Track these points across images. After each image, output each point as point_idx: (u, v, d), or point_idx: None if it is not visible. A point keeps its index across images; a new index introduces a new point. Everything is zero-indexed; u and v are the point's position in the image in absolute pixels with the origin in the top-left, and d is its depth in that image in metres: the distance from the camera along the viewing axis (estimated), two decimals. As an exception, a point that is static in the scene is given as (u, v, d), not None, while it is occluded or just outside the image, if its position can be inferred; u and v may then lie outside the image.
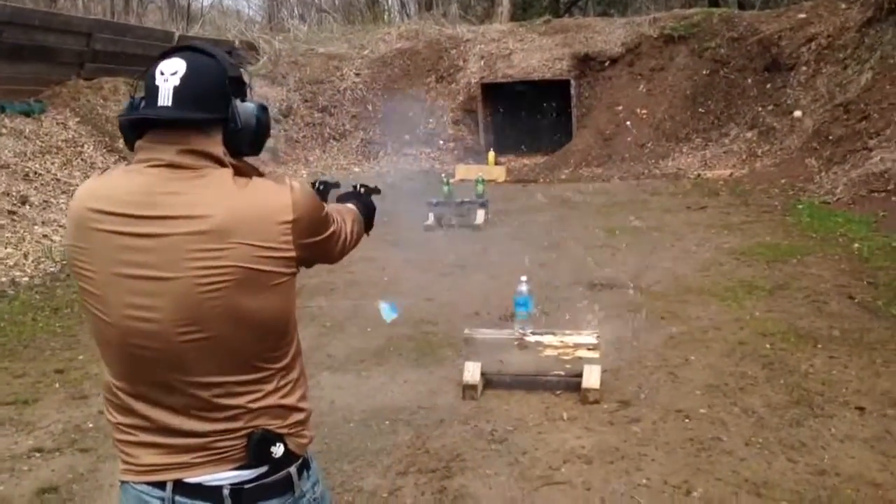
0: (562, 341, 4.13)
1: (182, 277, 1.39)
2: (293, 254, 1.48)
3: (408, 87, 16.57)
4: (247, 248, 1.41)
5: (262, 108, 1.56)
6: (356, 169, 15.18)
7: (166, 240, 1.40)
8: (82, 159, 10.37)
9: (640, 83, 15.30)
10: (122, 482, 1.54)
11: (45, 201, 8.91)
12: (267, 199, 1.46)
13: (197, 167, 1.45)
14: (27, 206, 8.59)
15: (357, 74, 16.92)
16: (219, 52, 1.56)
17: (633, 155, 14.19)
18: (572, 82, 15.27)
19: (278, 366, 1.53)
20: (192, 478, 1.48)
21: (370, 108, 16.43)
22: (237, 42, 17.12)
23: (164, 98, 1.45)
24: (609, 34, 16.08)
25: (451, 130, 15.92)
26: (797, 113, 13.07)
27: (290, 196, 1.48)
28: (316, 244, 1.57)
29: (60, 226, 8.58)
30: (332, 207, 1.75)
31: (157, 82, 1.46)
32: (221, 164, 1.47)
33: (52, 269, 7.47)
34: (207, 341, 1.43)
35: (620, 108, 15.07)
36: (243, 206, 1.43)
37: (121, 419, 1.52)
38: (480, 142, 15.77)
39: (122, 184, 1.46)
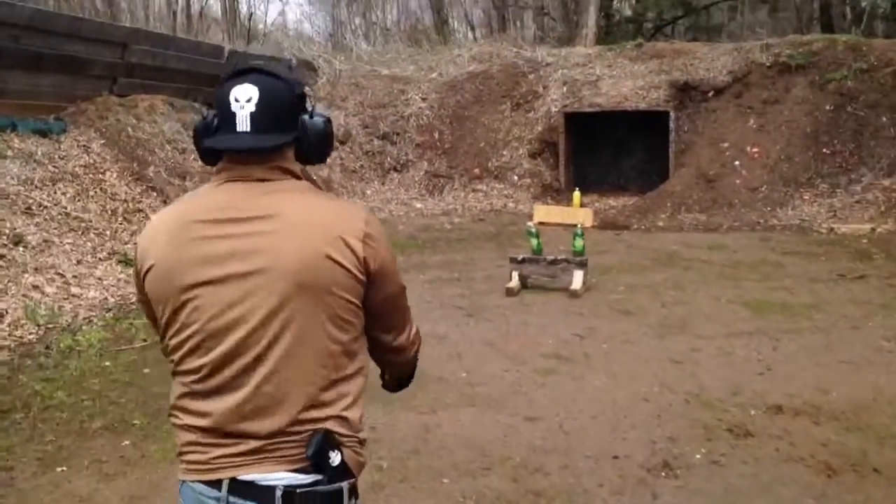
0: None
1: (273, 267, 1.47)
2: (363, 257, 1.52)
3: (480, 115, 14.80)
4: (329, 240, 1.49)
5: (328, 121, 1.65)
6: (418, 205, 13.41)
7: (259, 237, 1.49)
8: (101, 189, 8.76)
9: (749, 117, 13.23)
10: (182, 482, 1.56)
11: (44, 241, 7.26)
12: (345, 208, 1.61)
13: (277, 179, 1.57)
14: (20, 248, 6.95)
15: (423, 99, 15.21)
16: (283, 71, 1.62)
17: (743, 200, 12.11)
18: (671, 114, 13.27)
19: (345, 373, 1.55)
20: (246, 475, 1.48)
21: (437, 136, 14.68)
22: (294, 61, 15.58)
23: (242, 125, 1.54)
24: (712, 61, 14.07)
25: (528, 164, 14.05)
26: (951, 158, 10.87)
27: (365, 213, 1.59)
28: (384, 278, 1.58)
29: (59, 273, 6.91)
30: None
31: (233, 109, 1.55)
32: (298, 178, 1.60)
33: (30, 337, 5.75)
34: (293, 332, 1.48)
35: (727, 144, 13.02)
36: (326, 208, 1.56)
37: (186, 420, 1.55)
38: (560, 178, 13.86)
39: (211, 199, 1.57)
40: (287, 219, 1.50)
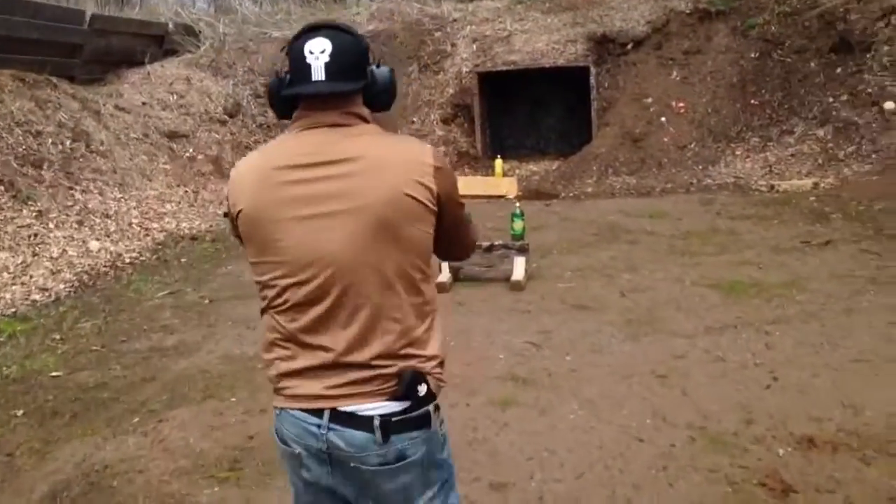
0: None
1: (357, 206, 1.60)
2: (436, 190, 1.66)
3: (384, 78, 13.45)
4: (405, 179, 1.62)
5: (392, 71, 1.77)
6: (323, 182, 12.05)
7: (342, 179, 1.62)
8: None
9: (672, 70, 12.40)
10: (281, 409, 1.72)
11: None
12: (413, 145, 1.72)
13: (352, 125, 1.69)
14: None
15: (321, 63, 13.74)
16: (351, 27, 1.73)
17: (672, 159, 11.30)
18: (592, 69, 12.29)
19: (424, 298, 1.70)
20: (347, 407, 1.63)
21: (338, 104, 13.27)
22: (171, 25, 13.85)
23: (318, 74, 1.65)
24: (629, 10, 13.15)
25: (441, 131, 12.85)
26: (889, 105, 10.27)
27: (429, 148, 1.72)
28: (451, 204, 1.72)
29: None
30: None
31: (308, 61, 1.66)
32: (366, 122, 1.73)
33: None
34: (377, 263, 1.62)
35: (650, 100, 12.16)
36: (398, 149, 1.69)
37: (282, 353, 1.69)
38: (477, 145, 12.74)
39: (292, 145, 1.70)
40: (367, 161, 1.63)
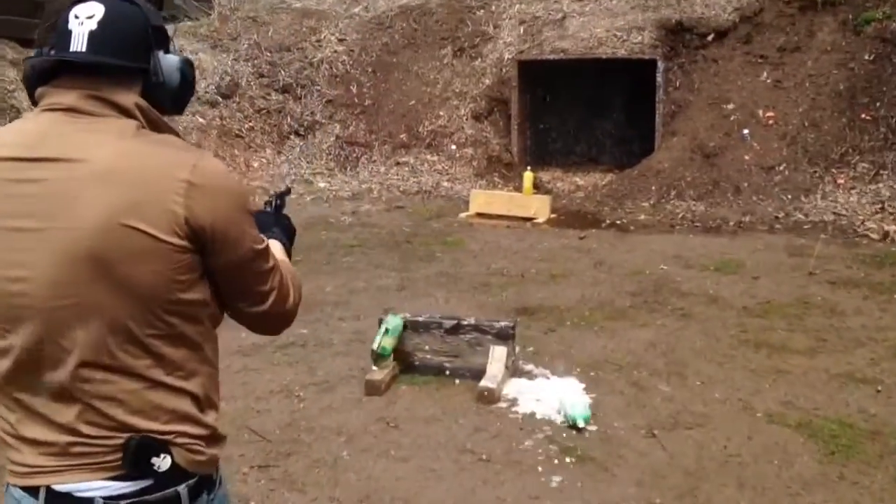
0: None
1: (59, 228, 1.19)
2: (188, 217, 1.19)
3: (411, 63, 11.41)
4: (131, 202, 1.18)
5: (187, 63, 1.37)
6: (322, 184, 10.06)
7: (49, 185, 1.20)
8: None
9: (762, 70, 9.97)
10: (7, 484, 1.34)
11: None
12: (167, 153, 1.24)
13: (98, 114, 1.25)
14: None
15: (340, 41, 11.80)
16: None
17: (754, 184, 8.93)
18: (659, 64, 9.92)
19: (167, 357, 1.25)
20: (63, 485, 1.25)
21: (354, 90, 11.28)
22: (173, -12, 12.03)
23: (78, 43, 1.25)
24: (713, -6, 10.71)
25: (471, 130, 10.71)
26: None
27: (196, 157, 1.23)
28: (223, 243, 1.24)
29: None
30: (279, 259, 1.42)
31: (70, 26, 1.27)
32: (128, 115, 1.26)
33: None
34: (81, 307, 1.20)
35: (731, 106, 9.78)
36: (137, 155, 1.22)
37: (3, 413, 1.30)
38: (512, 148, 10.55)
39: (15, 129, 1.32)
40: (88, 169, 1.19)
